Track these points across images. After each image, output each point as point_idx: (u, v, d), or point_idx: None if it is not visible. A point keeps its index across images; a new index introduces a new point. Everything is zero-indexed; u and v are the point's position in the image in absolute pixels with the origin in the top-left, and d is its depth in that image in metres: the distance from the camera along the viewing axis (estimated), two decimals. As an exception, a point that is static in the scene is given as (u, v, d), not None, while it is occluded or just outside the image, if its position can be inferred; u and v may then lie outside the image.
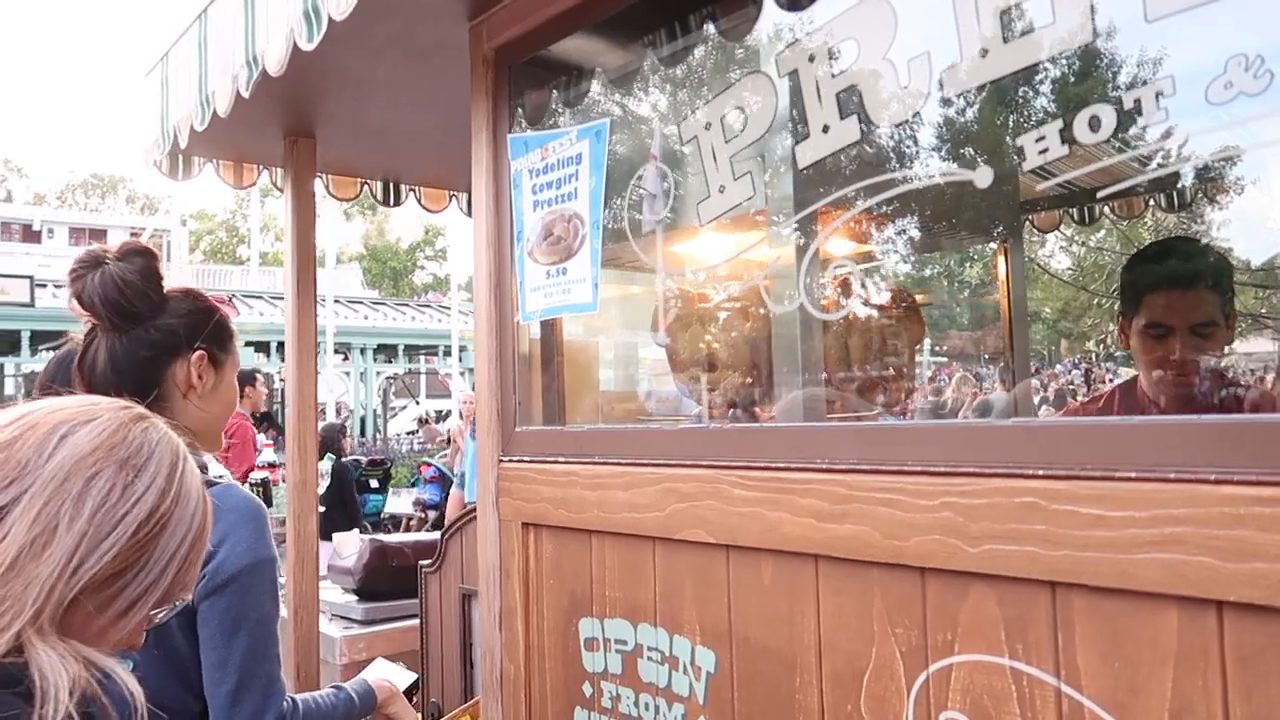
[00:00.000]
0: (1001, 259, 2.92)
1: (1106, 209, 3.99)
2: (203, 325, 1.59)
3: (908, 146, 1.49)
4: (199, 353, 1.57)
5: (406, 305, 25.84)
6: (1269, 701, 0.93)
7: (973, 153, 1.52)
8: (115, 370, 1.52)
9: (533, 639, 1.89)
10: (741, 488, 1.45)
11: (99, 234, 35.45)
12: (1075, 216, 3.97)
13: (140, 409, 1.02)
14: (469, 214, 3.78)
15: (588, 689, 1.75)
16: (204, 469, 1.57)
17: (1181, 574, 0.98)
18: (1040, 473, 1.10)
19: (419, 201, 3.58)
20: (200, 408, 1.58)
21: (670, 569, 1.59)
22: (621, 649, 1.68)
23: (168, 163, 3.04)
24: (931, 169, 1.41)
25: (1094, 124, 1.07)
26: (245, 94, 2.19)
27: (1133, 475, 1.02)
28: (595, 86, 2.03)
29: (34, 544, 0.87)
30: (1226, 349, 2.00)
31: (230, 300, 1.67)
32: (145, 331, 1.53)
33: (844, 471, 1.31)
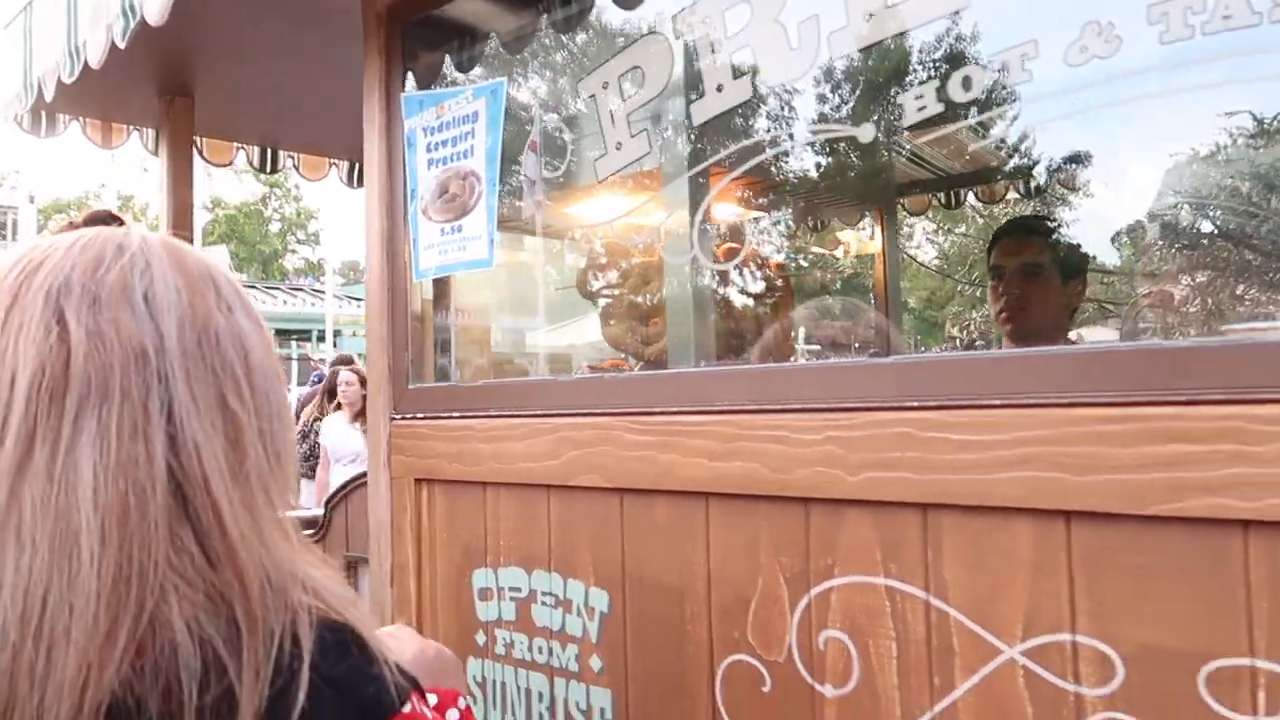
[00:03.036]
0: (878, 233, 3.07)
1: (971, 195, 4.24)
2: None
3: (796, 107, 1.58)
4: None
5: (277, 288, 24.94)
6: (1106, 597, 1.04)
7: (857, 112, 1.62)
8: None
9: (425, 594, 1.90)
10: (635, 433, 1.51)
11: (-69, 208, 32.83)
12: (943, 200, 4.21)
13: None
14: (349, 184, 3.73)
15: (481, 638, 1.78)
16: None
17: (1036, 489, 1.09)
18: (914, 404, 1.19)
19: (297, 169, 3.50)
20: None
21: (565, 516, 1.63)
22: (515, 596, 1.72)
23: (29, 119, 2.88)
24: (819, 127, 1.50)
25: (966, 84, 1.16)
26: (121, 44, 2.11)
27: (997, 403, 1.13)
28: (490, 51, 2.04)
29: (229, 452, 0.71)
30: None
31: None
32: None
33: (734, 413, 1.38)
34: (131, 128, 3.10)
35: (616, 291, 2.38)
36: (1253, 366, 0.94)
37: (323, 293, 22.02)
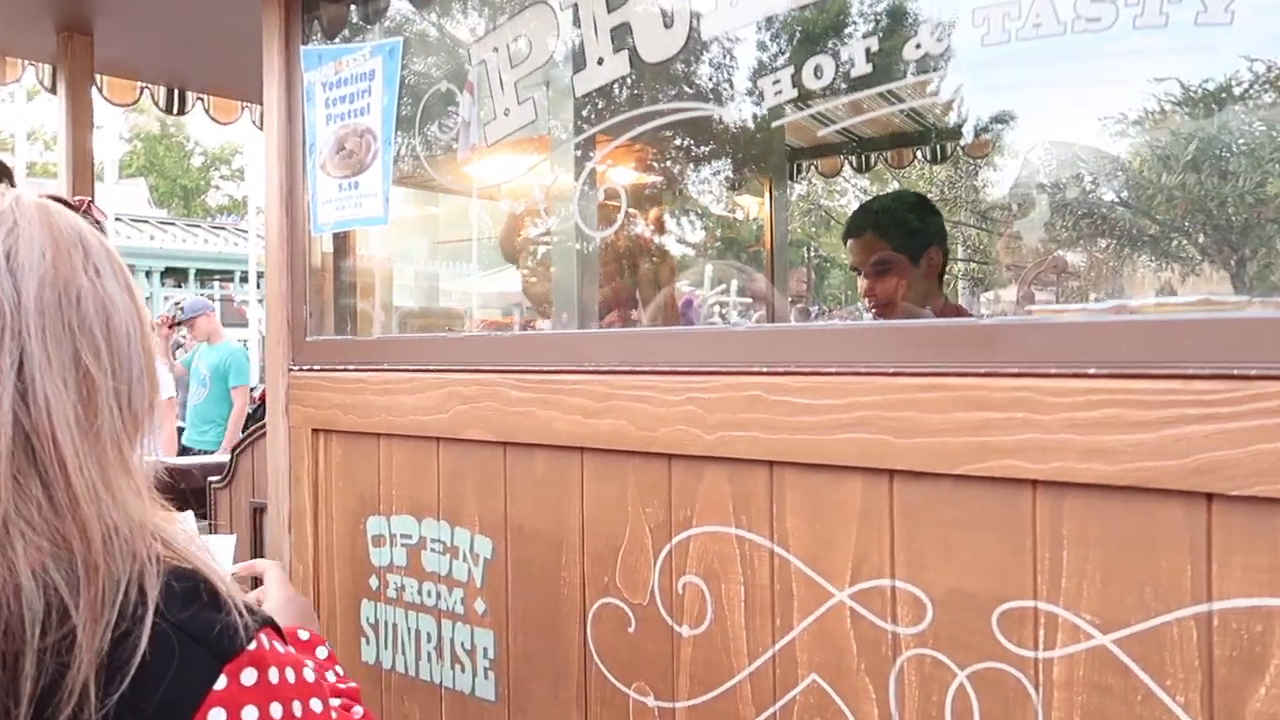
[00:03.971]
0: (766, 196, 3.17)
1: (881, 160, 4.36)
2: None
3: (671, 83, 1.64)
4: None
5: (198, 226, 24.19)
6: (921, 547, 1.16)
7: (726, 90, 1.69)
8: None
9: (321, 539, 1.96)
10: (518, 390, 1.58)
11: None
12: (854, 165, 4.32)
13: None
14: (263, 128, 3.68)
15: (374, 582, 1.86)
16: None
17: (865, 450, 1.19)
18: (764, 369, 1.29)
19: (207, 112, 3.44)
20: None
21: (453, 466, 1.71)
22: (406, 543, 1.79)
23: (-82, 51, 2.80)
24: (689, 104, 1.57)
25: (818, 72, 1.24)
26: (12, -19, 2.08)
27: (834, 370, 1.23)
28: (394, 4, 2.06)
29: (80, 409, 0.75)
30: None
31: (90, 205, 1.57)
32: None
33: (606, 373, 1.47)
34: (26, 62, 3.02)
35: (536, 251, 2.44)
36: (1042, 343, 1.05)
37: (245, 232, 21.43)
